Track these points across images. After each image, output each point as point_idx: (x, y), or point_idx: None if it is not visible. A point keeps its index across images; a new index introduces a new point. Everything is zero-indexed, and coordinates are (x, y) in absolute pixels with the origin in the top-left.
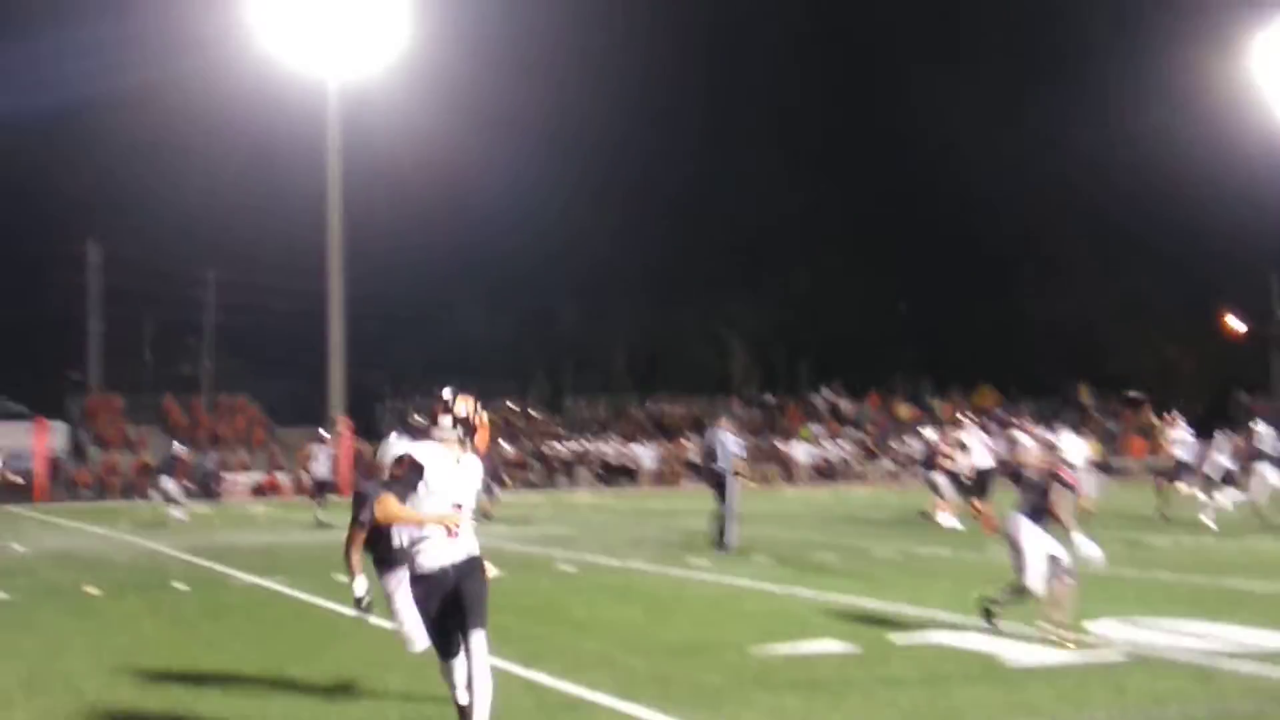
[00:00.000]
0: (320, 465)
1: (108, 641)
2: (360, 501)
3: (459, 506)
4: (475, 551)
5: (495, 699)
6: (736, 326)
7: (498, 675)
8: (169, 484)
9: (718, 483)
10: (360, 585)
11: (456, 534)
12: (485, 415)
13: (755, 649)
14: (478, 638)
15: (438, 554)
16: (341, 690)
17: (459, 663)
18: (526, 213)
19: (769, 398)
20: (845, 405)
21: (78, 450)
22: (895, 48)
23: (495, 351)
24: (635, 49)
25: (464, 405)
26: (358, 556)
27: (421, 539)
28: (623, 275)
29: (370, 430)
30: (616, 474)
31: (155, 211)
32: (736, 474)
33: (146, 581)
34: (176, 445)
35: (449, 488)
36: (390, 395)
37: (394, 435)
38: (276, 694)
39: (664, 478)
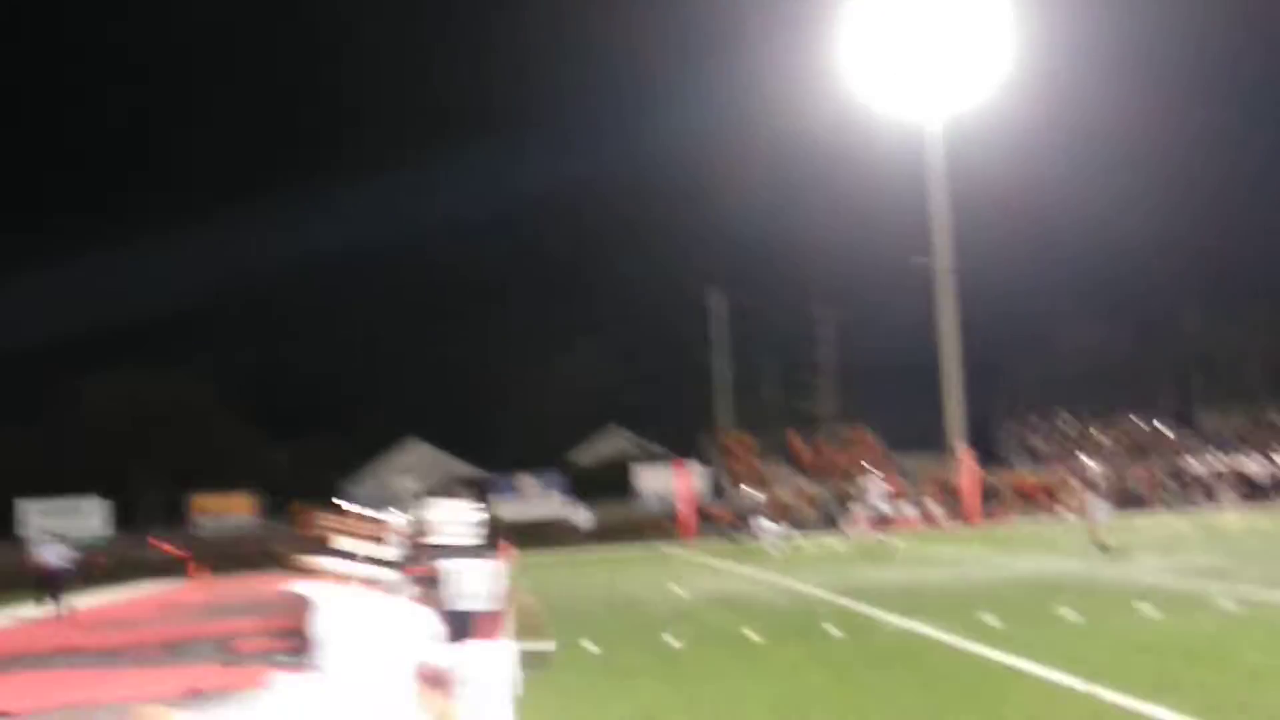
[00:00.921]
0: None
1: (779, 693)
2: None
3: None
4: None
5: None
6: None
7: None
8: (764, 523)
9: None
10: None
11: None
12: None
13: None
14: None
15: None
16: None
17: None
18: (1139, 223)
19: None
20: None
21: (715, 489)
22: None
23: (1114, 366)
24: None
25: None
26: None
27: None
28: (1252, 276)
29: (990, 455)
30: (1262, 491)
31: (769, 258)
32: None
33: (801, 625)
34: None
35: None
36: (1007, 417)
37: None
38: None
39: None
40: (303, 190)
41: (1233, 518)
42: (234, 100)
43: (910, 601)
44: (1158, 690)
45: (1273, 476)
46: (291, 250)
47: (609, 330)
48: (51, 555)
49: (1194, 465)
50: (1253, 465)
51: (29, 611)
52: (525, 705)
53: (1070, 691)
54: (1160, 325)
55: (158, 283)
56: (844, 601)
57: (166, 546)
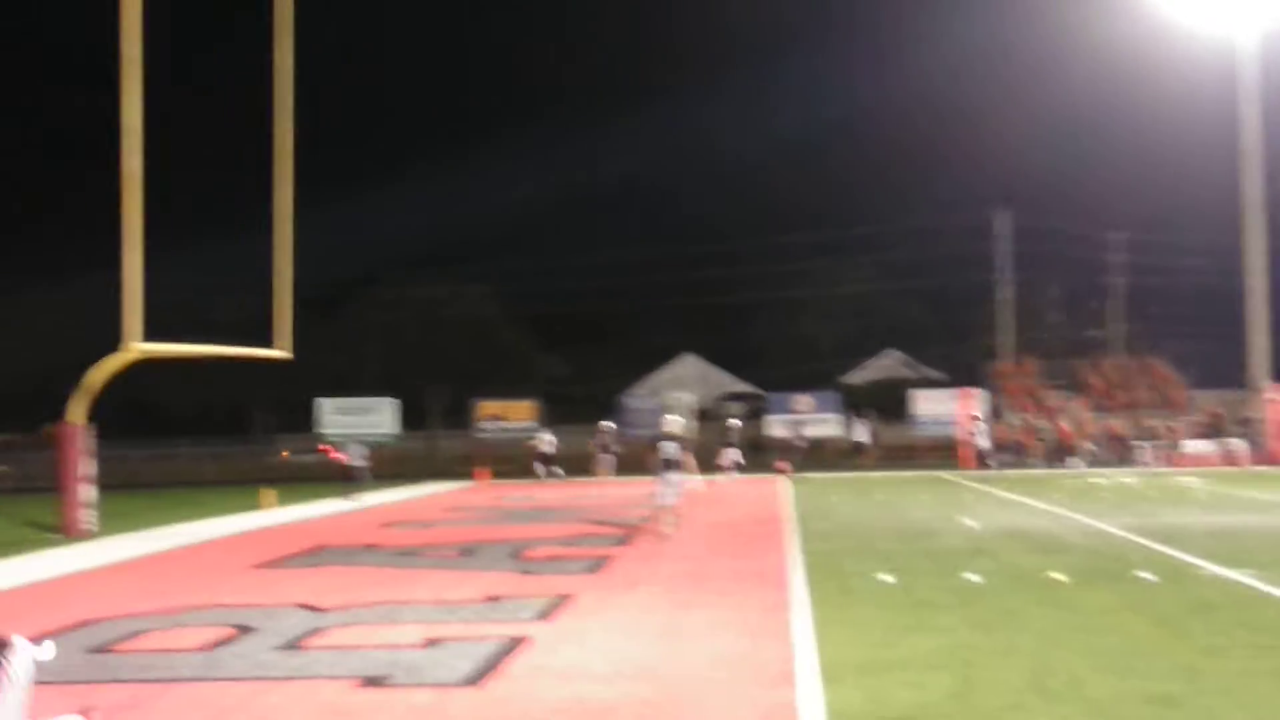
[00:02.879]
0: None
1: (1096, 640)
2: None
3: None
4: None
5: None
6: None
7: None
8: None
9: None
10: None
11: None
12: None
13: None
14: None
15: None
16: None
17: None
18: None
19: None
20: None
21: (996, 416)
22: None
23: None
24: None
25: None
26: None
27: None
28: None
29: None
30: None
31: (1062, 177)
32: None
33: (1109, 568)
34: None
35: None
36: None
37: None
38: None
39: None
40: (583, 117)
41: None
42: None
43: (1226, 547)
44: None
45: None
46: (572, 176)
47: (890, 251)
48: (353, 455)
49: None
50: None
51: (337, 505)
52: (824, 638)
53: None
54: None
55: (461, 200)
56: (1153, 544)
57: (331, 453)
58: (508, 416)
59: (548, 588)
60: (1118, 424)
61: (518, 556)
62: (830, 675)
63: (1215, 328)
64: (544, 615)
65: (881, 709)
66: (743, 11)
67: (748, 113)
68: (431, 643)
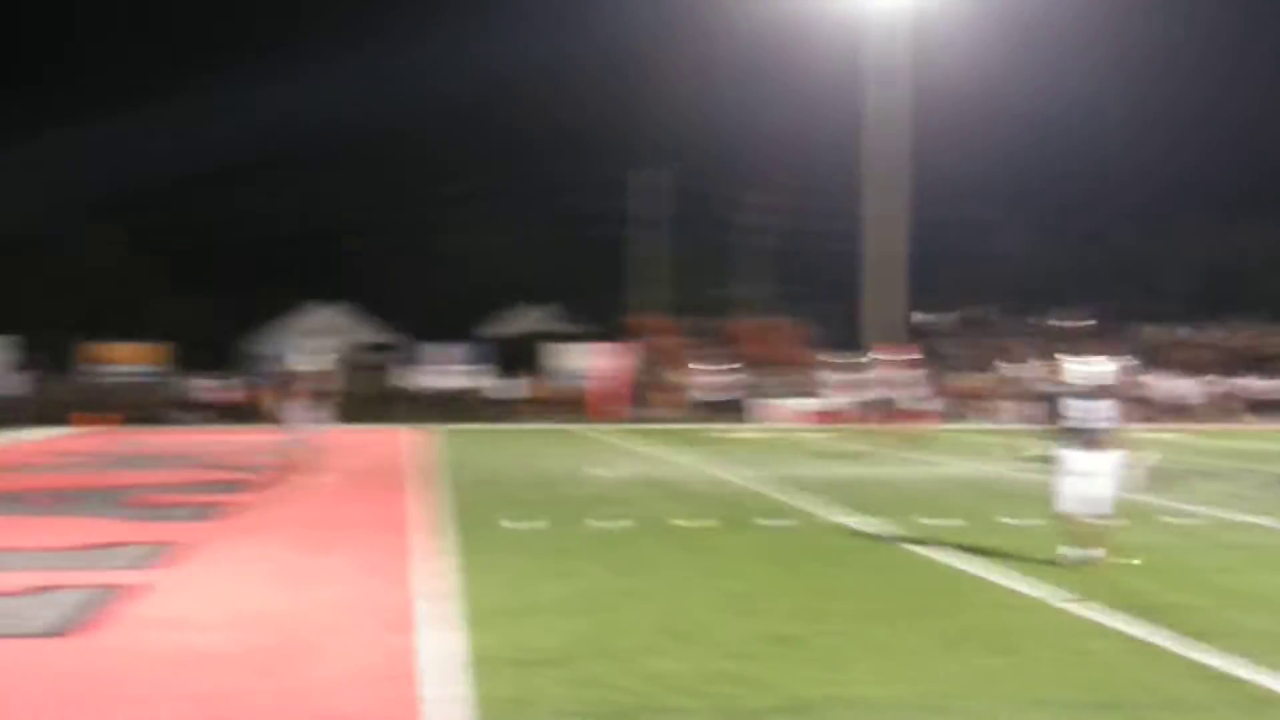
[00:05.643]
0: None
1: (725, 584)
2: None
3: None
4: None
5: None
6: None
7: (1150, 650)
8: None
9: None
10: None
11: None
12: None
13: None
14: None
15: None
16: (1003, 652)
17: None
18: (1080, 133)
19: None
20: None
21: (634, 371)
22: None
23: (1045, 276)
24: None
25: None
26: None
27: None
28: (1186, 195)
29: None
30: (1167, 410)
31: (708, 139)
32: None
33: (737, 516)
34: None
35: None
36: (936, 320)
37: None
38: (919, 654)
39: (1218, 414)
40: (222, 59)
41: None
42: None
43: (847, 496)
44: (1133, 608)
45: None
46: (218, 120)
47: (531, 206)
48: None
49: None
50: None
51: None
52: (463, 583)
53: (1034, 600)
54: (1091, 239)
55: (82, 142)
56: (776, 495)
57: None
58: (118, 360)
59: (155, 535)
60: (743, 379)
61: (123, 503)
62: (468, 620)
63: (842, 290)
64: (151, 563)
65: (519, 652)
66: None
67: (396, 64)
68: (22, 592)
